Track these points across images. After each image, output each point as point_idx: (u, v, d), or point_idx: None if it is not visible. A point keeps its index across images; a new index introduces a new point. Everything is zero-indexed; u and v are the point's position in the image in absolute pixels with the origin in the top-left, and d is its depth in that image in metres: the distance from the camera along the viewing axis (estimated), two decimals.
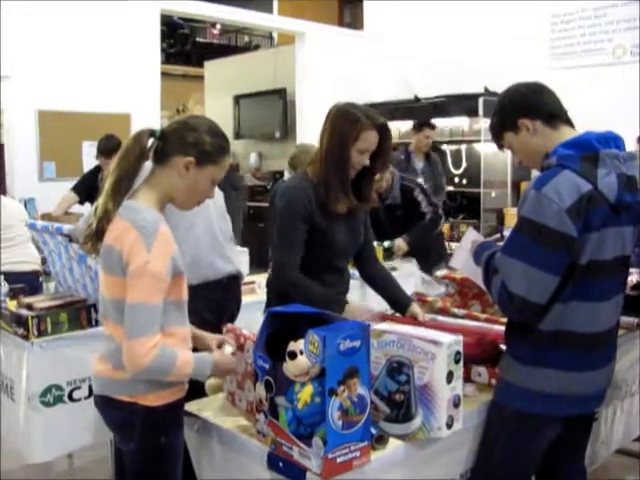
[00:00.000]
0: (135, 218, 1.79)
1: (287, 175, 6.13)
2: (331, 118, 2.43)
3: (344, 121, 2.38)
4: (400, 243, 4.38)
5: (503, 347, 2.15)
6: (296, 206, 2.43)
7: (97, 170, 5.14)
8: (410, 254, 4.54)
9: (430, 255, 4.78)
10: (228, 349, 1.99)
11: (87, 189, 4.99)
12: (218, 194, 2.86)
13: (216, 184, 1.99)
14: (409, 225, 4.54)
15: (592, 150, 1.90)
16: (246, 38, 13.10)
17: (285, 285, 2.51)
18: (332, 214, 2.47)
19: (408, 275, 4.46)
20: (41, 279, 3.43)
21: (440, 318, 2.53)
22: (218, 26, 12.40)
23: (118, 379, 1.85)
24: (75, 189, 5.19)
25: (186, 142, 1.88)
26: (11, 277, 3.40)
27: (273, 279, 2.63)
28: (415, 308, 2.51)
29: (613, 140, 1.95)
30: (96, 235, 1.86)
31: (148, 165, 1.92)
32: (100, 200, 1.87)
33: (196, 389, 2.09)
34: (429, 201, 4.58)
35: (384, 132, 2.43)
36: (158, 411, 1.86)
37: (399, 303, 2.55)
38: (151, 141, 1.88)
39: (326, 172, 2.42)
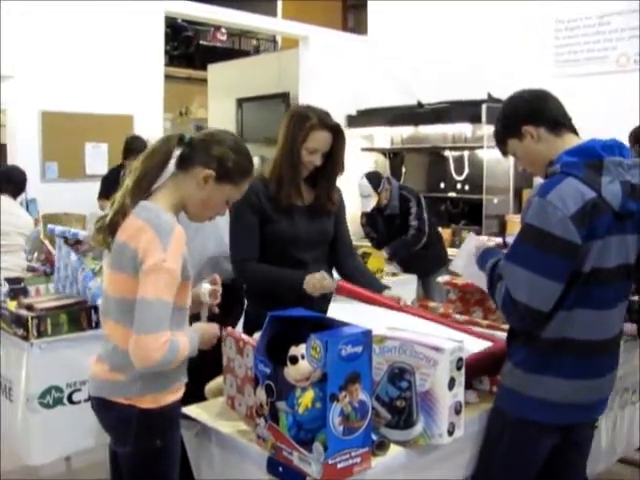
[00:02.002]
0: (151, 218, 1.80)
1: None
2: (286, 119, 2.53)
3: (295, 121, 2.49)
4: (382, 253, 4.59)
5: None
6: (245, 201, 2.49)
7: (117, 170, 5.21)
8: (408, 262, 4.61)
9: (428, 262, 4.82)
10: (205, 286, 2.06)
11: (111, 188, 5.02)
12: None
13: (230, 204, 2.01)
14: (404, 234, 4.66)
15: (596, 157, 1.89)
16: (250, 42, 13.12)
17: (251, 279, 2.61)
18: (287, 207, 2.54)
19: (407, 282, 4.52)
20: (22, 284, 3.45)
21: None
22: (224, 30, 12.39)
23: (114, 380, 1.85)
24: (101, 196, 5.28)
25: (210, 154, 1.89)
26: None
27: (238, 277, 2.69)
28: (388, 294, 2.57)
29: (617, 148, 1.94)
30: (109, 228, 1.87)
31: (169, 169, 1.93)
32: (118, 194, 1.89)
33: (195, 393, 2.09)
34: (418, 214, 4.65)
35: (336, 134, 2.52)
36: (154, 414, 1.85)
37: (372, 290, 2.57)
38: (179, 147, 1.90)
39: (280, 169, 2.51)
